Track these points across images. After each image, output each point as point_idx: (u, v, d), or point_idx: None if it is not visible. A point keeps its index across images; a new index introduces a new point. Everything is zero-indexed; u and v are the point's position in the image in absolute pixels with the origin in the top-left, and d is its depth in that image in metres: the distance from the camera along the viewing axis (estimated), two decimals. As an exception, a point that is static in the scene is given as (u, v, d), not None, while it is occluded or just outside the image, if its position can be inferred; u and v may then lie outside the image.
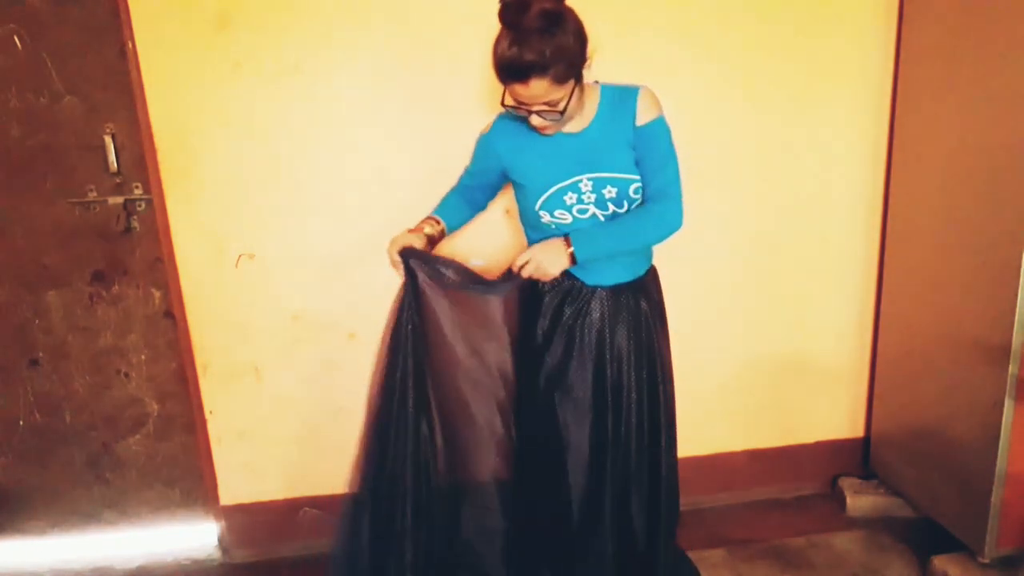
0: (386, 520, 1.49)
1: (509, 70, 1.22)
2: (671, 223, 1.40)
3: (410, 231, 1.49)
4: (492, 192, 1.60)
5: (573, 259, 1.37)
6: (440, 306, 1.48)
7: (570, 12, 1.24)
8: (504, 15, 1.20)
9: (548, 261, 1.37)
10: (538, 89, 1.23)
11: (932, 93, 1.82)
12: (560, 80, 1.23)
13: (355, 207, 1.83)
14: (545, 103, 1.26)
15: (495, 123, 1.47)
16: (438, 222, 1.53)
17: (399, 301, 1.47)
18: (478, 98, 1.77)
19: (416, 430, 1.49)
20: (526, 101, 1.27)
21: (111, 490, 2.03)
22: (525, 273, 1.40)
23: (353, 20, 1.71)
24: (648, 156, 1.38)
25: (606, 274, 1.46)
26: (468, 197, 1.60)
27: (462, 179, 1.62)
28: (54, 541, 2.05)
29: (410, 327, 1.45)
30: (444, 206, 1.59)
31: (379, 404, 1.47)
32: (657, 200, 1.39)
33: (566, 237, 1.38)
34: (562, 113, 1.28)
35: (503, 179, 1.52)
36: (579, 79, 1.28)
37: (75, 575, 1.99)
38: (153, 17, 1.65)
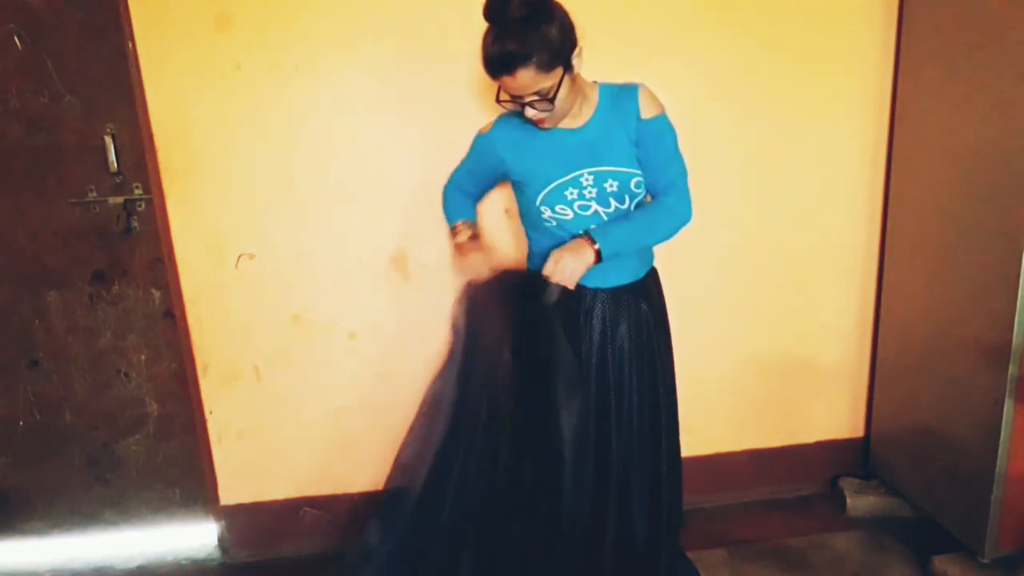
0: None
1: (495, 63, 1.24)
2: (682, 216, 1.43)
3: (468, 246, 1.50)
4: (487, 190, 1.63)
5: (599, 256, 1.36)
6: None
7: (554, 3, 1.25)
8: (487, 11, 1.23)
9: (574, 259, 1.35)
10: (525, 79, 1.24)
11: (932, 93, 1.82)
12: (545, 68, 1.24)
13: (355, 207, 1.83)
14: (535, 93, 1.27)
15: (496, 123, 1.47)
16: (473, 225, 1.58)
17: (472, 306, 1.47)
18: (478, 96, 1.77)
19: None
20: (517, 93, 1.28)
21: (111, 490, 2.04)
22: (555, 279, 1.36)
23: (353, 20, 1.71)
24: (655, 151, 1.39)
25: (606, 276, 1.46)
26: (466, 193, 1.63)
27: (457, 176, 1.63)
28: (54, 541, 2.05)
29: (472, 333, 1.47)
30: (459, 207, 1.63)
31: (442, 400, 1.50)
32: (668, 194, 1.41)
33: (586, 235, 1.37)
34: (552, 101, 1.28)
35: (501, 178, 1.53)
36: (568, 67, 1.28)
37: (75, 575, 1.99)
38: (153, 17, 1.65)
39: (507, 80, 1.25)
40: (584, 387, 1.47)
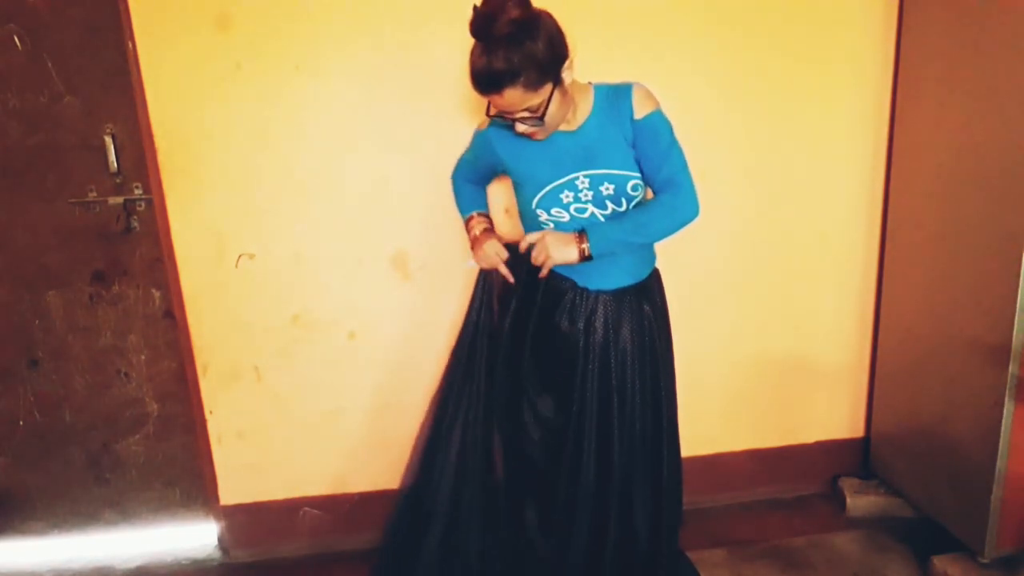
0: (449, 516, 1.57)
1: (481, 81, 1.22)
2: (685, 212, 1.38)
3: (483, 236, 1.55)
4: (491, 179, 1.65)
5: (584, 255, 1.36)
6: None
7: (542, 17, 1.23)
8: (474, 27, 1.20)
9: (556, 248, 1.37)
10: (513, 97, 1.22)
11: (932, 93, 1.82)
12: (533, 86, 1.22)
13: (355, 207, 1.83)
14: (525, 109, 1.26)
15: (492, 121, 1.46)
16: (487, 218, 1.62)
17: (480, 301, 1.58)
18: (478, 97, 1.77)
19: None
20: (505, 110, 1.27)
21: (111, 490, 2.04)
22: (534, 257, 1.40)
23: (353, 20, 1.71)
24: (650, 148, 1.37)
25: (609, 278, 1.46)
26: (475, 180, 1.65)
27: (462, 166, 1.64)
28: (54, 541, 2.05)
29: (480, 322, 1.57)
30: (470, 197, 1.65)
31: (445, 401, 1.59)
32: (666, 190, 1.38)
33: (580, 232, 1.37)
34: (541, 118, 1.27)
35: (502, 172, 1.54)
36: (557, 82, 1.26)
37: (75, 575, 1.99)
38: (153, 17, 1.65)
39: (494, 98, 1.24)
40: (560, 390, 1.50)
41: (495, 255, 1.51)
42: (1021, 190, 1.56)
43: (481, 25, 1.19)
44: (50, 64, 1.72)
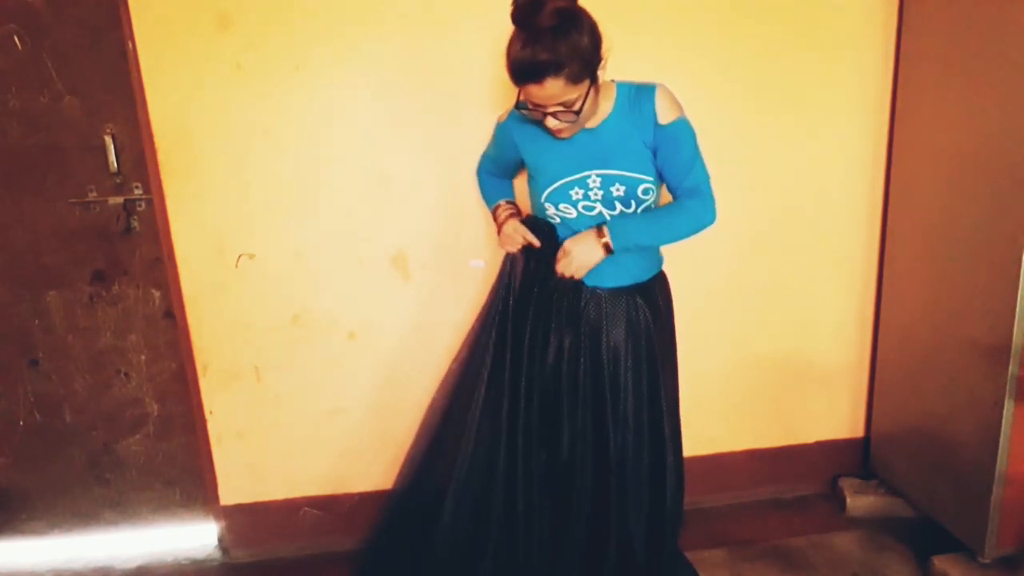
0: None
1: (523, 71, 1.20)
2: (705, 219, 1.42)
3: (507, 220, 1.54)
4: (514, 174, 1.65)
5: (608, 249, 1.37)
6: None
7: (583, 11, 1.23)
8: (516, 15, 1.19)
9: (584, 254, 1.39)
10: (553, 89, 1.21)
11: (932, 93, 1.82)
12: (575, 79, 1.21)
13: (355, 206, 1.83)
14: (560, 104, 1.25)
15: (512, 111, 1.45)
16: (513, 204, 1.61)
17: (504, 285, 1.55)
18: (479, 97, 1.77)
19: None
20: (541, 102, 1.25)
21: (111, 490, 2.04)
22: (567, 273, 1.41)
23: (353, 19, 1.71)
24: (675, 156, 1.38)
25: (604, 277, 1.46)
26: (498, 174, 1.66)
27: (485, 161, 1.66)
28: (54, 541, 2.05)
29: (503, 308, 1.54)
30: (495, 189, 1.66)
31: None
32: (691, 197, 1.40)
33: (599, 227, 1.38)
34: (578, 113, 1.26)
35: (523, 164, 1.54)
36: (594, 79, 1.26)
37: (75, 575, 1.99)
38: (153, 17, 1.65)
39: (533, 89, 1.22)
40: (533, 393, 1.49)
41: (515, 233, 1.48)
42: (1021, 190, 1.56)
43: (524, 14, 1.18)
44: (50, 64, 1.72)
